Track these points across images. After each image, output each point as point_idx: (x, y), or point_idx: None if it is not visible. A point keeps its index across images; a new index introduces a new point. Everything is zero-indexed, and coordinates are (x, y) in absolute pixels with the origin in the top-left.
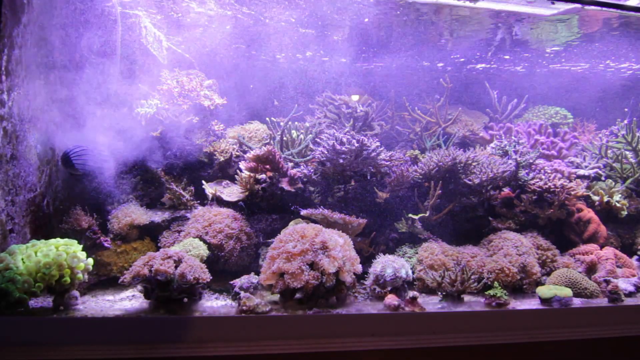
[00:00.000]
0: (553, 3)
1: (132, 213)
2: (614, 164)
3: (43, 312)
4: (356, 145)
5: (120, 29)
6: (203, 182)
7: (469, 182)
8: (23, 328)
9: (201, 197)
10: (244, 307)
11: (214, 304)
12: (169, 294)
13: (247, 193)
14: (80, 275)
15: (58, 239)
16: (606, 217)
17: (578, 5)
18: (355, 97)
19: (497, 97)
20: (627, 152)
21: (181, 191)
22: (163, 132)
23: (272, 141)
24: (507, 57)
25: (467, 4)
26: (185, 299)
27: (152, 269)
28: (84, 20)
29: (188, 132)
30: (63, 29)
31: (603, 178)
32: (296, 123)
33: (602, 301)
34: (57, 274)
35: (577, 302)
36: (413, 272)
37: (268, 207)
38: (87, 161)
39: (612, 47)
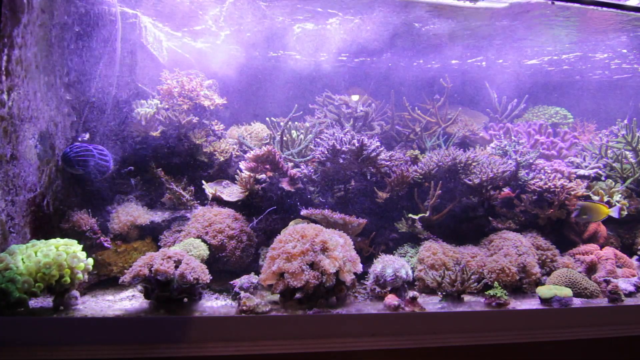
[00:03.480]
0: (553, 3)
1: (132, 213)
2: (614, 164)
3: (43, 312)
4: (356, 145)
5: (120, 28)
6: (203, 182)
7: (469, 182)
8: (23, 328)
9: (201, 197)
10: (244, 307)
11: (214, 304)
12: (169, 294)
13: (247, 193)
14: (80, 275)
15: (58, 239)
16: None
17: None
18: (355, 97)
19: (497, 97)
20: (627, 152)
21: (181, 191)
22: (163, 132)
23: (272, 141)
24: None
25: (468, 4)
26: (185, 299)
27: (152, 269)
28: (84, 20)
29: (188, 132)
30: (63, 29)
31: (603, 178)
32: (296, 123)
33: (602, 301)
34: (57, 274)
35: (577, 302)
36: (413, 272)
37: (268, 207)
38: (87, 161)
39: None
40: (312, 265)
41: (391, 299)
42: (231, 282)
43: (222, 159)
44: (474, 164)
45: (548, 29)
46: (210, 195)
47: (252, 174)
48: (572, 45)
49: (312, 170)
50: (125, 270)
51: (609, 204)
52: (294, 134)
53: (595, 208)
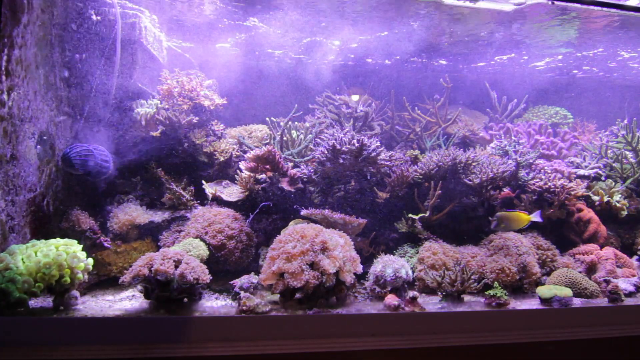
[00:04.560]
0: (553, 3)
1: (132, 213)
2: (614, 164)
3: (43, 312)
4: (356, 145)
5: (120, 28)
6: (203, 182)
7: (469, 182)
8: (23, 328)
9: (201, 197)
10: (244, 307)
11: (214, 304)
12: (169, 294)
13: (247, 193)
14: (80, 275)
15: (58, 239)
16: (606, 217)
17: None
18: (355, 97)
19: (497, 97)
20: (627, 152)
21: (181, 191)
22: (163, 132)
23: (272, 141)
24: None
25: (467, 4)
26: (185, 299)
27: (152, 269)
28: (84, 20)
29: (188, 132)
30: (63, 29)
31: (603, 178)
32: (296, 123)
33: (602, 301)
34: (57, 274)
35: (577, 302)
36: (413, 272)
37: (268, 207)
38: (87, 161)
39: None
40: (312, 265)
41: (391, 299)
42: (231, 282)
43: (222, 159)
44: (474, 164)
45: (549, 28)
46: (210, 195)
47: (252, 174)
48: (578, 44)
49: (312, 170)
50: (125, 270)
51: (609, 204)
52: (294, 134)
53: (512, 217)
